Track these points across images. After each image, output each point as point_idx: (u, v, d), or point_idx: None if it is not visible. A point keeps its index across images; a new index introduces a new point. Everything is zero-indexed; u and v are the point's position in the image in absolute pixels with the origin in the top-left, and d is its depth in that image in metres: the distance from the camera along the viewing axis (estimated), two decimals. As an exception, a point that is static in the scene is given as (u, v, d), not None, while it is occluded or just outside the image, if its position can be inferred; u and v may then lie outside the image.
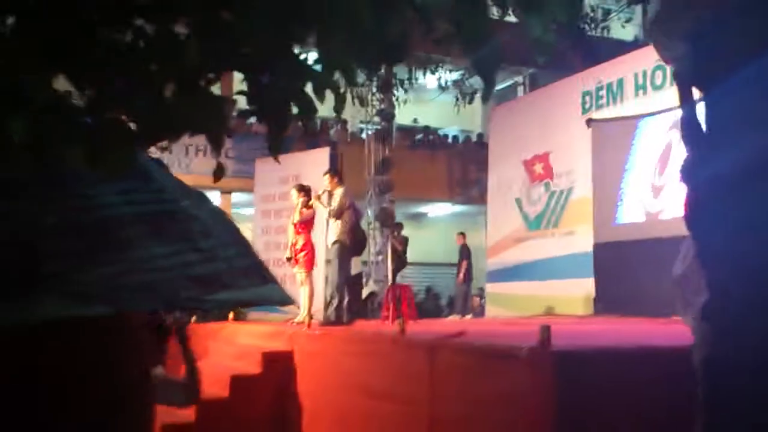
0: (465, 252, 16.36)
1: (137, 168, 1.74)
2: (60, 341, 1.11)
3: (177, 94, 1.50)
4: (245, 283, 1.76)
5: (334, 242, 8.89)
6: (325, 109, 1.66)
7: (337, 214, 8.84)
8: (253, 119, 1.68)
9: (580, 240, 10.58)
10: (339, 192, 8.99)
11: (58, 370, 1.07)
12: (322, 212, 9.34)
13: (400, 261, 13.15)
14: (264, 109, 1.61)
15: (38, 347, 1.09)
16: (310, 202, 9.30)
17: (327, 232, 9.35)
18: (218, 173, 1.67)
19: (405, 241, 13.66)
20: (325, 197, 9.14)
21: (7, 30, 1.40)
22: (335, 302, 8.91)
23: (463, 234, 16.82)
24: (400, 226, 14.43)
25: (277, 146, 1.65)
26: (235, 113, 1.69)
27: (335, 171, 9.36)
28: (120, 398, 1.10)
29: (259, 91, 1.59)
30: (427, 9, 1.57)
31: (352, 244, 9.03)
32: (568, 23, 1.61)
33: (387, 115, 17.35)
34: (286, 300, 1.96)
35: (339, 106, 1.66)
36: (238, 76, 1.64)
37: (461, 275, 15.99)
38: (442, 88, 18.35)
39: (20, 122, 1.25)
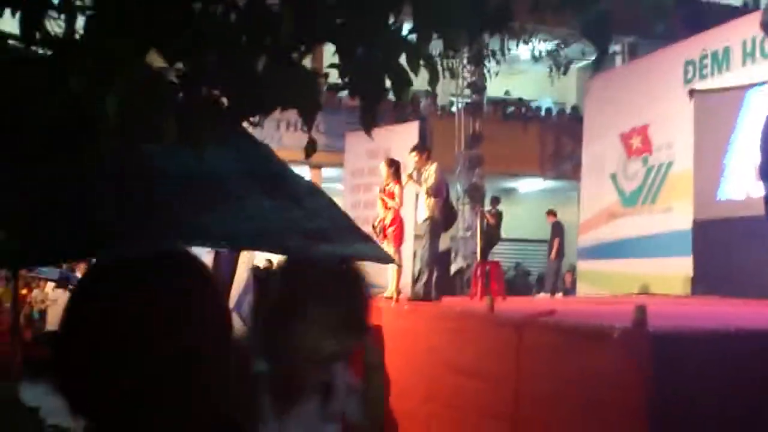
0: (557, 229, 16.03)
1: (245, 135, 1.87)
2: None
3: (269, 68, 1.47)
4: (348, 239, 1.84)
5: (426, 218, 8.81)
6: (414, 82, 1.60)
7: (434, 192, 8.74)
8: (344, 93, 1.65)
9: (679, 217, 10.18)
10: (432, 168, 8.88)
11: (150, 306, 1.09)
12: (410, 188, 9.25)
13: (493, 236, 12.92)
14: (357, 82, 1.56)
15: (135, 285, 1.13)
16: (404, 182, 9.20)
17: (416, 208, 9.27)
18: (310, 149, 1.63)
19: (499, 215, 13.41)
20: (414, 175, 9.05)
21: (102, 7, 1.39)
22: (424, 278, 8.86)
23: (553, 212, 16.49)
24: (496, 200, 14.18)
25: (370, 121, 1.60)
26: (325, 87, 1.69)
27: (423, 148, 9.23)
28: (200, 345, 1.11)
29: (352, 65, 1.54)
30: None
31: (443, 220, 8.94)
32: None
33: (478, 87, 17.10)
34: (387, 258, 2.04)
35: (433, 80, 1.60)
36: (328, 49, 1.59)
37: (553, 253, 15.69)
38: (536, 59, 17.92)
39: (114, 99, 1.24)
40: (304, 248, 1.78)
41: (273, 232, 1.68)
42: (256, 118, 1.60)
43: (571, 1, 1.50)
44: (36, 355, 7.75)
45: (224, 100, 1.48)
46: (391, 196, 9.27)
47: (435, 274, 9.03)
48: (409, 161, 9.25)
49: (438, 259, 9.22)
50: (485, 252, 12.30)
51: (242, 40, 1.45)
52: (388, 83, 1.55)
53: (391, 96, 1.64)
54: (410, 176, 9.00)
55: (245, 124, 1.78)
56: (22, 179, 1.43)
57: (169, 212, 1.58)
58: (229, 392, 1.16)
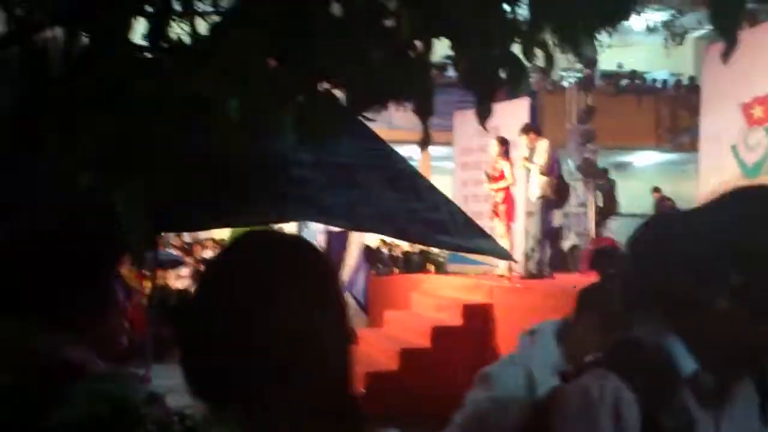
0: (661, 206, 15.65)
1: (371, 133, 1.95)
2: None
3: (386, 64, 1.51)
4: (465, 233, 1.91)
5: (539, 197, 8.75)
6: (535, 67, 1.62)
7: (547, 170, 8.67)
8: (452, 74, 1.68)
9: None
10: (543, 146, 8.80)
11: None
12: (520, 164, 9.18)
13: (608, 207, 12.55)
14: (473, 75, 1.58)
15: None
16: (522, 164, 9.13)
17: (528, 185, 9.20)
18: (424, 143, 1.69)
19: (611, 184, 13.02)
20: (526, 154, 8.99)
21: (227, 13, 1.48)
22: (536, 255, 8.82)
23: (658, 189, 16.01)
24: (604, 172, 13.78)
25: (485, 113, 1.63)
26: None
27: (533, 127, 9.13)
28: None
29: (467, 57, 1.55)
30: None
31: (556, 197, 8.86)
32: None
33: (589, 61, 16.69)
34: (503, 254, 2.11)
35: (549, 67, 1.60)
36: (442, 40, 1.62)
37: None
38: (650, 30, 17.31)
39: (237, 101, 1.34)
40: (425, 236, 1.86)
41: (394, 218, 1.76)
42: (372, 113, 1.65)
43: None
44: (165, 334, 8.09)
45: (341, 95, 1.53)
46: (501, 174, 9.24)
47: (547, 252, 8.98)
48: (520, 140, 9.19)
49: (550, 236, 9.16)
50: (599, 226, 12.05)
51: (360, 36, 1.49)
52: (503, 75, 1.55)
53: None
54: (526, 159, 8.93)
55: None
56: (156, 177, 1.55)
57: (297, 190, 1.70)
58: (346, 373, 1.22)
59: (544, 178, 8.70)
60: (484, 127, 1.63)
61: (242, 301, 1.12)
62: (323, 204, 1.66)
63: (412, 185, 1.88)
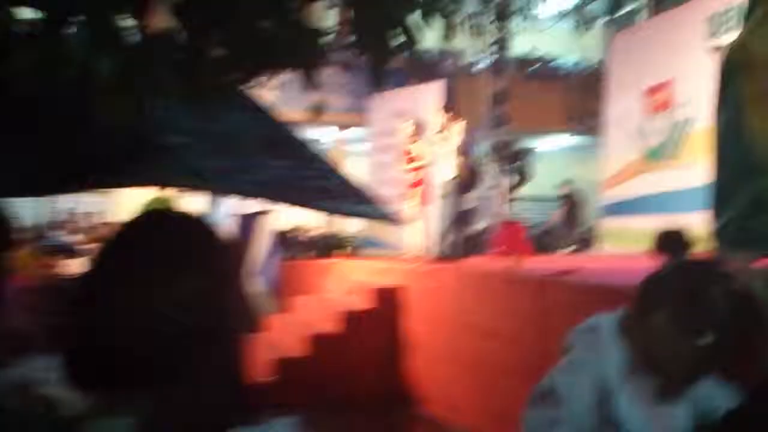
0: (568, 199, 16.25)
1: (261, 103, 1.92)
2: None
3: (273, 25, 1.47)
4: (350, 199, 1.92)
5: (453, 177, 8.83)
6: (439, 41, 1.61)
7: (462, 150, 8.75)
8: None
9: (703, 172, 10.09)
10: (457, 128, 8.87)
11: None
12: (434, 147, 9.24)
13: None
14: (364, 39, 1.55)
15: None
16: (431, 142, 9.19)
17: (442, 167, 9.28)
18: (318, 109, 1.67)
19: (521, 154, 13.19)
20: (440, 136, 9.06)
21: None
22: (450, 237, 8.92)
23: (568, 181, 16.52)
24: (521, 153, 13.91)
25: (380, 78, 1.61)
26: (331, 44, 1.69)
27: (449, 107, 9.21)
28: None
29: (360, 22, 1.53)
30: None
31: (469, 179, 8.94)
32: None
33: (502, 45, 16.92)
34: (387, 217, 2.13)
35: (449, 33, 1.59)
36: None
37: (561, 220, 16.10)
38: (561, 16, 17.66)
39: (107, 62, 1.27)
40: (306, 200, 1.86)
41: (275, 185, 1.76)
42: (264, 79, 1.61)
43: None
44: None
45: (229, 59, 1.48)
46: (417, 156, 9.29)
47: (461, 234, 9.09)
48: (435, 121, 9.25)
49: (464, 219, 9.26)
50: (510, 204, 12.24)
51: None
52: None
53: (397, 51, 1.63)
54: (441, 139, 8.99)
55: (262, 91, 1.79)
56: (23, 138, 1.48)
57: (174, 157, 1.67)
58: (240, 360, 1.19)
59: (458, 160, 8.79)
60: (379, 91, 1.62)
61: (129, 284, 1.07)
62: (201, 170, 1.63)
63: (300, 154, 1.88)
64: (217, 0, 1.43)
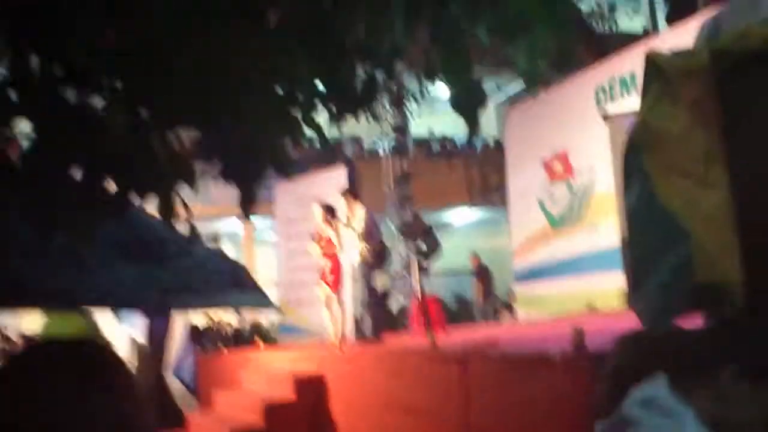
0: (479, 273, 16.58)
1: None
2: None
3: (141, 157, 1.42)
4: (221, 291, 1.80)
5: (361, 261, 8.82)
6: (334, 131, 1.59)
7: (366, 236, 8.76)
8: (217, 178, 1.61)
9: (606, 235, 10.43)
10: (361, 212, 8.90)
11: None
12: (344, 231, 9.22)
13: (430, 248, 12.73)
14: (229, 165, 1.48)
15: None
16: (340, 228, 9.17)
17: (348, 253, 9.25)
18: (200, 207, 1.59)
19: (429, 229, 13.30)
20: (346, 220, 9.07)
21: None
22: (366, 319, 8.86)
23: (476, 255, 16.88)
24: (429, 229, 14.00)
25: (248, 205, 1.53)
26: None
27: (350, 191, 9.24)
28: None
29: (219, 145, 1.46)
30: (389, 57, 1.47)
31: (377, 260, 8.94)
32: (562, 55, 1.46)
33: (401, 129, 17.34)
34: (268, 303, 2.00)
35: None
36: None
37: (480, 297, 16.39)
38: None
39: None
40: (162, 302, 1.76)
41: (125, 289, 1.66)
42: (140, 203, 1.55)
43: (446, 78, 1.49)
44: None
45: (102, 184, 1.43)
46: (329, 241, 9.24)
47: (377, 314, 9.03)
48: (339, 206, 9.27)
49: (378, 299, 9.22)
50: (420, 261, 12.26)
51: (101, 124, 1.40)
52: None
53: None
54: (347, 223, 9.00)
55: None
56: None
57: (14, 274, 1.57)
58: None
59: (363, 243, 8.79)
60: (248, 220, 1.59)
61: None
62: (44, 290, 1.56)
63: (157, 254, 1.79)
64: (74, 130, 1.36)
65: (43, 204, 1.31)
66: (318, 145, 1.58)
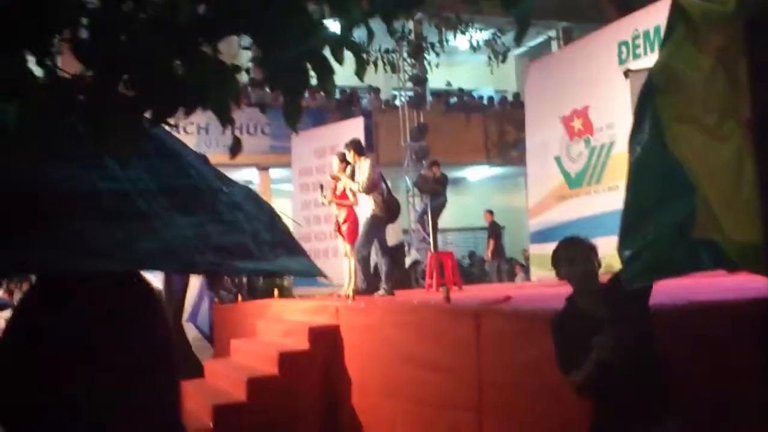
0: (492, 229, 16.55)
1: (161, 145, 1.76)
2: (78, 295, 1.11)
3: (181, 64, 1.41)
4: (269, 254, 1.74)
5: (370, 214, 8.81)
6: (355, 78, 1.57)
7: (368, 188, 8.71)
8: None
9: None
10: (365, 165, 8.83)
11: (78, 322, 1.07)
12: (350, 186, 9.15)
13: (440, 199, 12.74)
14: (278, 76, 1.50)
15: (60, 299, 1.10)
16: (346, 183, 9.13)
17: (360, 205, 9.23)
18: (234, 148, 1.58)
19: (444, 177, 13.29)
20: (347, 174, 9.03)
21: None
22: (380, 272, 8.89)
23: (490, 212, 16.83)
24: (435, 164, 13.96)
25: (293, 115, 1.54)
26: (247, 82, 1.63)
27: (356, 144, 9.16)
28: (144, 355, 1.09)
29: (271, 58, 1.48)
30: None
31: (386, 214, 8.91)
32: None
33: (419, 80, 17.16)
34: (313, 271, 1.92)
35: (360, 70, 1.54)
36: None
37: (489, 252, 16.38)
38: (474, 49, 18.04)
39: (14, 107, 1.17)
40: (217, 264, 1.66)
41: (180, 249, 1.58)
42: (174, 120, 1.52)
43: None
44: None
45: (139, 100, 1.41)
46: (344, 193, 9.22)
47: (390, 268, 9.05)
48: (346, 160, 9.22)
49: (391, 253, 9.21)
50: (436, 216, 12.27)
51: (147, 35, 1.38)
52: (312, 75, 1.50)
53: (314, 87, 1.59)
54: (349, 176, 8.96)
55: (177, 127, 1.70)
56: None
57: (62, 231, 1.47)
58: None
59: (370, 196, 8.77)
60: (294, 129, 1.57)
61: (55, 347, 1.03)
62: (92, 245, 1.45)
63: (210, 205, 1.72)
64: (124, 40, 1.35)
65: (94, 124, 1.29)
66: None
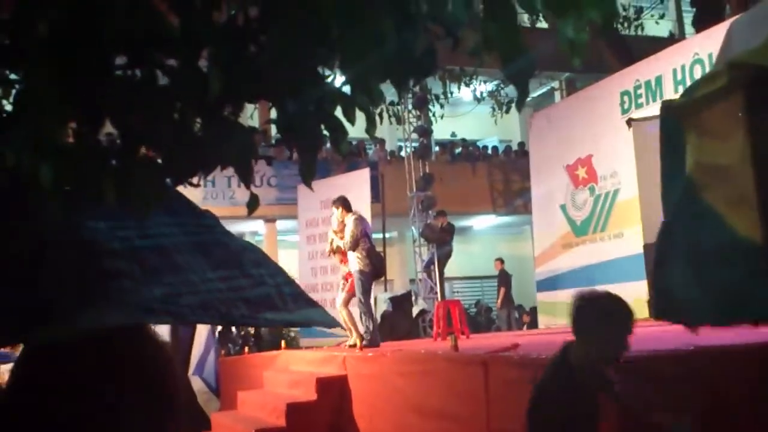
0: (503, 278, 16.57)
1: (190, 206, 1.83)
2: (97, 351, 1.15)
3: (202, 126, 1.49)
4: (293, 306, 1.81)
5: (356, 271, 8.77)
6: (362, 130, 1.64)
7: (353, 245, 8.71)
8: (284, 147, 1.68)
9: (630, 242, 10.40)
10: (350, 221, 8.85)
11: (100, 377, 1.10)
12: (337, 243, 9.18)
13: (445, 248, 12.72)
14: (293, 136, 1.58)
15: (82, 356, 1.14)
16: (332, 238, 9.18)
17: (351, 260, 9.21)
18: (252, 204, 1.64)
19: (450, 227, 13.31)
20: (337, 229, 9.07)
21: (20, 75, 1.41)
22: (369, 326, 8.83)
23: (501, 260, 16.86)
24: (442, 213, 14.01)
25: (309, 173, 1.62)
26: (271, 142, 1.69)
27: (342, 201, 9.19)
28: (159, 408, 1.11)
29: (286, 118, 1.56)
30: (453, 23, 1.53)
31: (371, 269, 8.87)
32: (605, 25, 1.55)
33: (424, 131, 17.34)
34: (332, 323, 1.99)
35: (370, 128, 1.61)
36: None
37: (499, 301, 16.37)
38: (478, 100, 18.28)
39: (48, 169, 1.25)
40: (250, 318, 1.73)
41: (217, 302, 1.64)
42: (196, 179, 1.60)
43: (497, 49, 1.54)
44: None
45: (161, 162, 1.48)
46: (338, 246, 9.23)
47: (377, 322, 9.04)
48: (334, 217, 9.27)
49: (369, 309, 9.09)
50: (442, 265, 12.23)
51: (173, 101, 1.46)
52: (325, 133, 1.57)
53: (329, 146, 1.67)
54: (335, 232, 9.01)
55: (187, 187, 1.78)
56: None
57: (110, 288, 1.52)
58: None
59: (356, 252, 8.76)
60: (309, 186, 1.63)
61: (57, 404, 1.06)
62: (140, 301, 1.50)
63: (237, 260, 1.78)
64: (152, 105, 1.44)
65: (120, 183, 1.36)
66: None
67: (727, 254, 3.13)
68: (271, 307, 1.71)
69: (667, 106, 3.43)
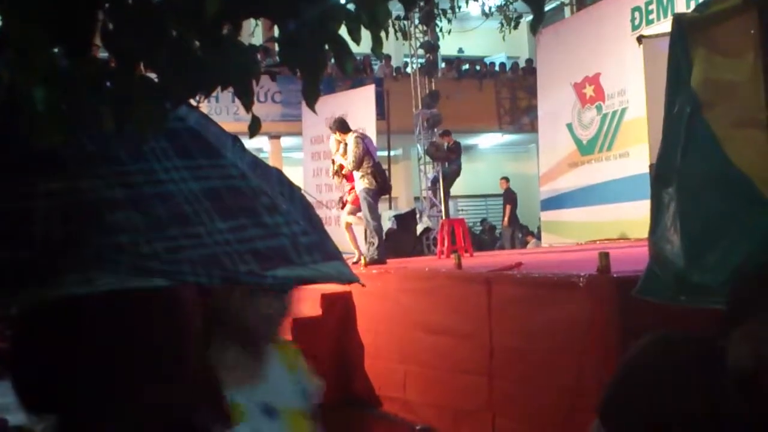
0: (508, 196, 16.55)
1: (205, 144, 1.74)
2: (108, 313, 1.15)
3: (201, 47, 1.45)
4: (308, 258, 1.70)
5: (361, 189, 8.82)
6: (367, 47, 1.59)
7: (357, 164, 8.72)
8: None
9: (636, 162, 10.35)
10: (350, 140, 8.83)
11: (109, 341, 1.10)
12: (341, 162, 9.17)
13: (453, 167, 12.76)
14: (295, 56, 1.53)
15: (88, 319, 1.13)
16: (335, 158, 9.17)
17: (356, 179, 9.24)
18: (253, 127, 1.60)
19: (457, 145, 13.28)
20: (341, 151, 9.05)
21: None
22: (375, 242, 8.92)
23: (506, 179, 16.81)
24: (447, 133, 13.97)
25: (312, 94, 1.57)
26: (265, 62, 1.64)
27: (339, 122, 9.14)
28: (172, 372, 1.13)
29: (288, 37, 1.51)
30: None
31: (377, 187, 8.91)
32: None
33: (431, 46, 17.05)
34: (350, 278, 1.89)
35: (376, 47, 1.57)
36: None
37: (505, 219, 16.40)
38: (486, 15, 17.89)
39: (42, 91, 1.21)
40: (257, 274, 1.62)
41: (223, 256, 1.54)
42: (198, 99, 1.55)
43: None
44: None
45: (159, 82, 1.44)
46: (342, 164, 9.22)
47: (382, 239, 9.12)
48: (331, 139, 9.26)
49: (379, 225, 9.18)
50: (448, 183, 12.29)
51: (169, 21, 1.41)
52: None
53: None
54: (336, 165, 9.02)
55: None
56: None
57: (107, 245, 1.44)
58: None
59: (360, 171, 8.78)
60: (313, 109, 1.58)
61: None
62: (136, 260, 1.42)
63: (251, 205, 1.67)
64: (146, 26, 1.38)
65: (118, 105, 1.32)
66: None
67: (721, 180, 3.07)
68: (284, 261, 1.62)
69: (679, 19, 3.34)
